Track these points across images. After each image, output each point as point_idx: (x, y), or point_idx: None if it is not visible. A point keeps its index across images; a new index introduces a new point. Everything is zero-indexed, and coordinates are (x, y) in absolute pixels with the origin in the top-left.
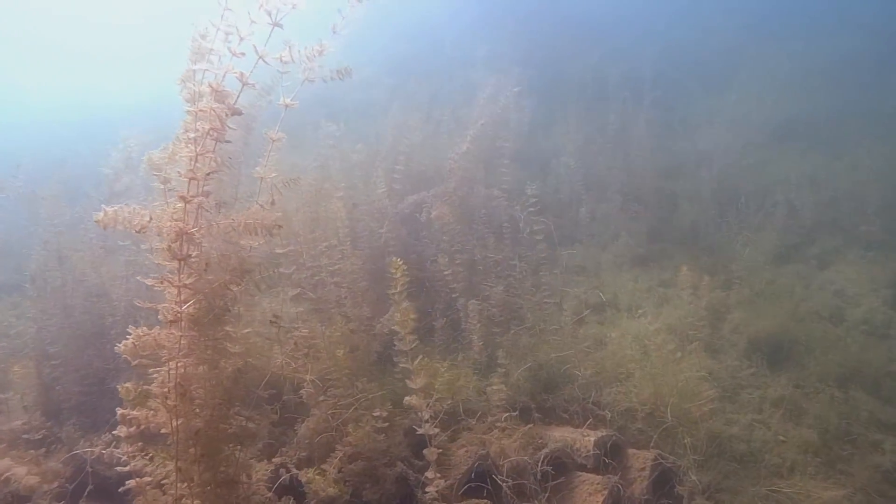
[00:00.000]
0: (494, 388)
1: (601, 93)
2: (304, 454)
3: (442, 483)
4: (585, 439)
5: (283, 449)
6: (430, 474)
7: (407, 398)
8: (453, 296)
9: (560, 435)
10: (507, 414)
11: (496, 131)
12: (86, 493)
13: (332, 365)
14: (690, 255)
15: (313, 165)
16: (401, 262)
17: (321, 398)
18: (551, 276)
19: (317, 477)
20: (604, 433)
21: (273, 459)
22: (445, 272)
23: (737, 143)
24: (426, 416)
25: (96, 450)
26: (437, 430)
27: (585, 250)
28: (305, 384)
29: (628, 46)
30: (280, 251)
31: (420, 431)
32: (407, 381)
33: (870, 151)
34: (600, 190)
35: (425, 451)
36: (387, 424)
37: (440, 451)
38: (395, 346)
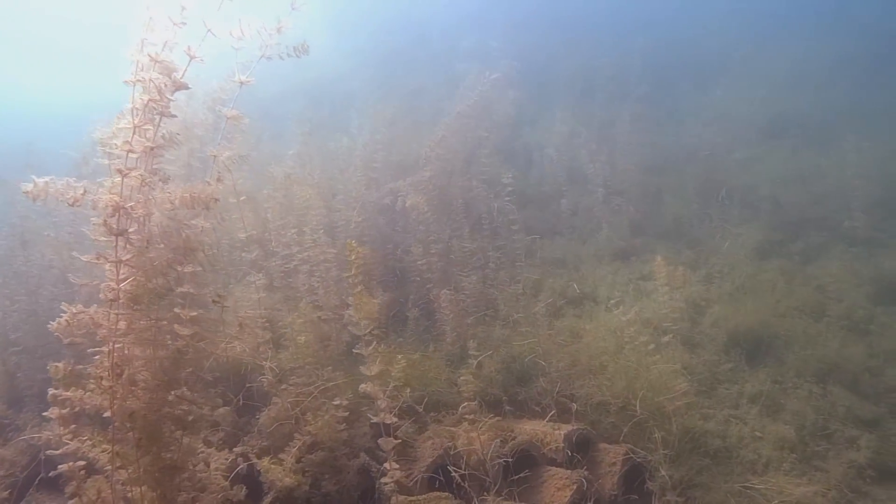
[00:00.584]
0: (464, 379)
1: (590, 86)
2: (265, 443)
3: (399, 474)
4: (555, 433)
5: (246, 438)
6: (388, 465)
7: (363, 386)
8: (428, 286)
9: (531, 428)
10: (469, 404)
11: (478, 122)
12: (36, 482)
13: (295, 353)
14: (673, 249)
15: (289, 153)
16: (356, 246)
17: (283, 386)
18: (530, 268)
19: (273, 466)
20: (574, 427)
21: (234, 448)
22: (419, 262)
23: (725, 138)
24: (383, 405)
25: (44, 435)
26: (396, 419)
27: (566, 243)
28: (265, 371)
29: (619, 41)
30: (243, 235)
31: (374, 420)
32: (362, 369)
33: (859, 148)
34: (585, 183)
35: (380, 441)
36: (347, 414)
37: (404, 441)
38: (374, 333)
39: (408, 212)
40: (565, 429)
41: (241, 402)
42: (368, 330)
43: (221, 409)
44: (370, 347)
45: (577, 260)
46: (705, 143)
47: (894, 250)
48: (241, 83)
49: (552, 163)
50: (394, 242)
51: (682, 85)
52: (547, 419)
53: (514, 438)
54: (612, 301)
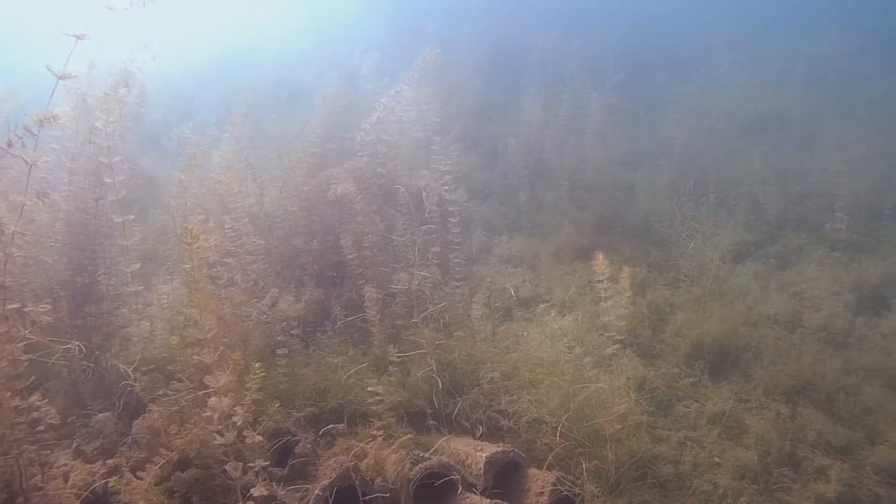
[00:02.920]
0: (372, 390)
1: (563, 75)
2: (143, 455)
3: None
4: (478, 455)
5: (122, 448)
6: (257, 491)
7: (211, 401)
8: (359, 283)
9: (454, 447)
10: (386, 419)
11: (427, 106)
12: None
13: (187, 353)
14: (640, 249)
15: (224, 136)
16: (195, 230)
17: (160, 392)
18: (485, 266)
19: (126, 486)
20: (499, 449)
21: (108, 461)
22: (350, 256)
23: (704, 132)
24: (238, 422)
25: None
26: (260, 438)
27: (525, 239)
28: (136, 374)
29: (596, 28)
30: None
31: (218, 441)
32: (205, 380)
33: (844, 146)
34: (552, 176)
35: (227, 466)
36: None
37: (304, 460)
38: (294, 333)
39: (340, 201)
40: (489, 450)
41: (120, 408)
42: (211, 334)
43: (101, 416)
44: (217, 353)
45: (534, 258)
46: (683, 136)
47: (878, 255)
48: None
49: (518, 154)
50: (336, 235)
51: (661, 76)
52: (485, 438)
53: (428, 459)
54: (572, 308)
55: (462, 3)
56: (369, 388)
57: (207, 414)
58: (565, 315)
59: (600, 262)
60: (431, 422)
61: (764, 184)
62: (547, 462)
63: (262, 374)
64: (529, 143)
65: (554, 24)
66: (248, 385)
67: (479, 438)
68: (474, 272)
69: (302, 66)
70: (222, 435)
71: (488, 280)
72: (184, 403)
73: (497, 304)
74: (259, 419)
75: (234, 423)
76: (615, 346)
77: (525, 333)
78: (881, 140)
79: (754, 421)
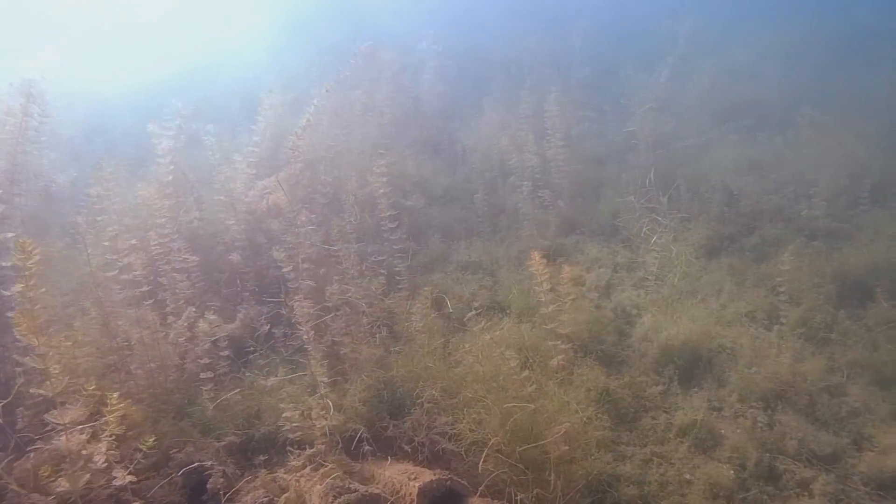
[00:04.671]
0: (287, 416)
1: (526, 71)
2: None
3: None
4: (411, 484)
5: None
6: None
7: (58, 440)
8: (296, 298)
9: (389, 475)
10: (317, 446)
11: (371, 108)
12: None
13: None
14: (607, 249)
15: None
16: (28, 243)
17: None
18: (443, 273)
19: None
20: (434, 477)
21: None
22: (284, 269)
23: (675, 125)
24: (99, 460)
25: None
26: (133, 476)
27: (484, 245)
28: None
29: (560, 23)
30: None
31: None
32: (46, 417)
33: (821, 133)
34: (514, 178)
35: None
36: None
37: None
38: (224, 354)
39: (275, 212)
40: (424, 479)
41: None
42: (54, 363)
43: None
44: (59, 384)
45: (493, 264)
46: (652, 129)
47: (859, 243)
48: None
49: (480, 157)
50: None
51: (628, 69)
52: (418, 462)
53: (354, 491)
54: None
55: (428, 8)
56: (284, 415)
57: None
58: (523, 323)
59: (535, 261)
60: (367, 447)
61: (738, 174)
62: (479, 491)
63: (120, 406)
64: (491, 144)
65: (519, 21)
66: (111, 419)
67: (421, 463)
68: (430, 280)
69: (266, 78)
70: (76, 476)
71: (428, 289)
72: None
73: (450, 314)
74: (172, 452)
75: (95, 462)
76: (561, 357)
77: (466, 346)
78: (858, 126)
79: (729, 431)
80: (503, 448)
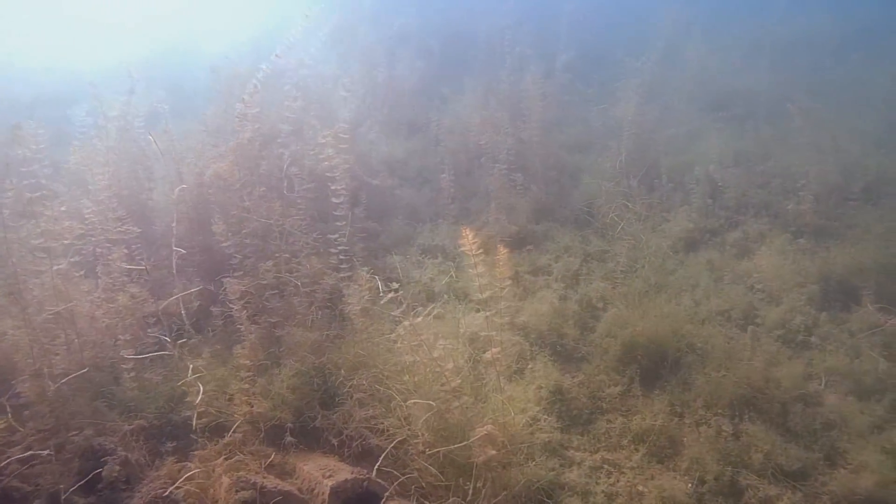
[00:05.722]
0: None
1: (512, 56)
2: None
3: None
4: (325, 482)
5: None
6: None
7: None
8: (236, 275)
9: (308, 471)
10: (233, 435)
11: (330, 79)
12: None
13: None
14: (579, 238)
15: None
16: None
17: None
18: (402, 257)
19: None
20: (350, 476)
21: None
22: (224, 244)
23: (663, 112)
24: None
25: None
26: None
27: (450, 228)
28: None
29: (550, 5)
30: None
31: None
32: None
33: (814, 129)
34: (487, 159)
35: None
36: None
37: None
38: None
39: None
40: (339, 477)
41: None
42: None
43: None
44: None
45: (457, 248)
46: (637, 116)
47: (847, 242)
48: None
49: (457, 139)
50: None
51: (616, 55)
52: (344, 457)
53: (263, 488)
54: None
55: None
56: (188, 399)
57: None
58: (479, 311)
59: (467, 241)
60: (290, 438)
61: (724, 165)
62: (388, 493)
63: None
64: (469, 125)
65: (505, 1)
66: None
67: (348, 459)
68: (388, 263)
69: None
70: None
71: (367, 269)
72: None
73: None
74: (71, 435)
75: None
76: (496, 350)
77: (397, 332)
78: (854, 121)
79: (691, 440)
80: (428, 448)
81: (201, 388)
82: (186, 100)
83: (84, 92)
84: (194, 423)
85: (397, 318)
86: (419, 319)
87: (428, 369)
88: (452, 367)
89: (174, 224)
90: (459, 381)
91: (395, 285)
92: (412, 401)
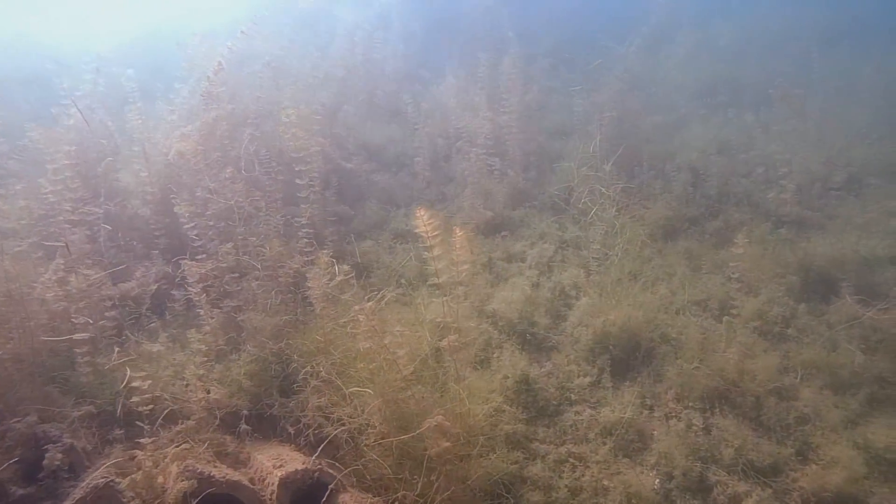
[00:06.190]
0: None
1: (496, 41)
2: None
3: None
4: (275, 472)
5: None
6: None
7: None
8: (197, 257)
9: (261, 460)
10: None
11: (304, 57)
12: None
13: None
14: (557, 225)
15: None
16: None
17: None
18: (373, 242)
19: None
20: (301, 467)
21: None
22: (187, 226)
23: (648, 100)
24: None
25: None
26: None
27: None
28: None
29: None
30: None
31: None
32: None
33: (799, 119)
34: (464, 143)
35: None
36: None
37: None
38: (110, 315)
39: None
40: (291, 467)
41: None
42: None
43: None
44: None
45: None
46: (620, 104)
47: (828, 233)
48: None
49: (437, 121)
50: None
51: (601, 40)
52: (299, 447)
53: (210, 476)
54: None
55: None
56: (133, 384)
57: None
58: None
59: (421, 221)
60: (245, 426)
61: (707, 153)
62: (334, 483)
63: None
64: (449, 109)
65: None
66: None
67: (304, 448)
68: (359, 248)
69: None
70: None
71: (330, 253)
72: None
73: (370, 284)
74: (13, 422)
75: None
76: (453, 337)
77: (350, 317)
78: (839, 113)
79: (660, 433)
80: (379, 438)
81: (145, 374)
82: (167, 80)
83: (59, 72)
84: (141, 409)
85: (351, 303)
86: (370, 304)
87: (382, 357)
88: (405, 354)
89: (139, 204)
90: (412, 369)
91: (346, 267)
92: (355, 388)
